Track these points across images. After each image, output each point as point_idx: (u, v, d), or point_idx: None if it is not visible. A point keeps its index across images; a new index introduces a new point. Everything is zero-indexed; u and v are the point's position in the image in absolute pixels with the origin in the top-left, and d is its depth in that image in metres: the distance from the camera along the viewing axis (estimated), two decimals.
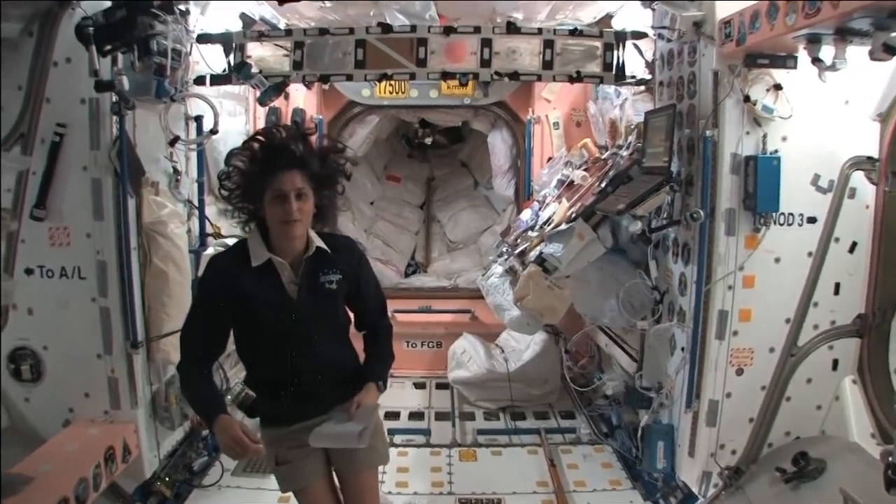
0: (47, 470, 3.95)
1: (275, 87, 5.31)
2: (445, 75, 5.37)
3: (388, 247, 9.58)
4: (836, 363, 4.43)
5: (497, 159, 8.42)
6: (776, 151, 4.16)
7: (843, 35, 3.39)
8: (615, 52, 5.17)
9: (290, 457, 3.46)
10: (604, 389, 6.26)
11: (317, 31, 5.29)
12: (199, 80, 5.26)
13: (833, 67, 3.58)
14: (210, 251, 5.46)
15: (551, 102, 7.56)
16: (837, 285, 4.36)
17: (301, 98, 7.65)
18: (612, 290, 5.14)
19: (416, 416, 6.82)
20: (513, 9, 5.65)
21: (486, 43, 5.24)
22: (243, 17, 5.91)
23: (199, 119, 5.52)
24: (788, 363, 4.37)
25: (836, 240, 4.30)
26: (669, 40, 4.68)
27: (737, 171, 4.21)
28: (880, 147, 4.23)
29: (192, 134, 5.52)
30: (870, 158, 4.23)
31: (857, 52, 3.46)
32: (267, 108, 7.05)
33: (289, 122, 7.36)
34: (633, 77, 5.26)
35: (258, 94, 5.39)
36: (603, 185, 5.32)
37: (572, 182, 6.24)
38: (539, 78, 5.43)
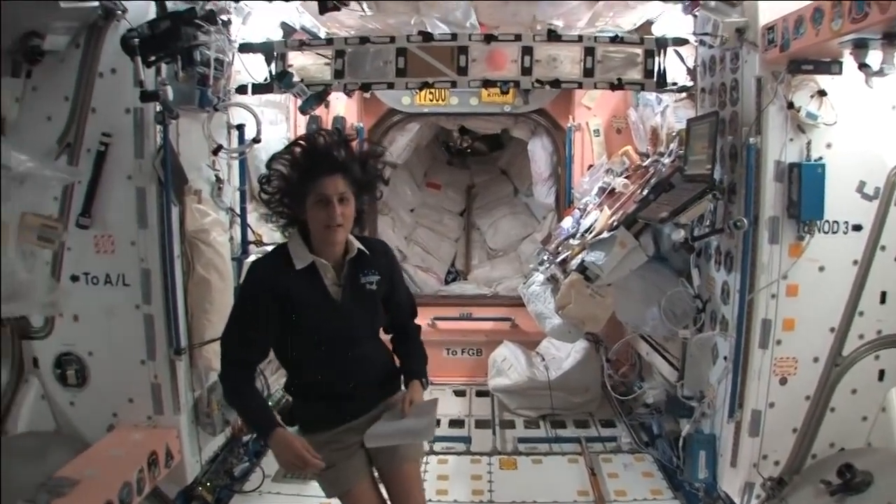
0: (92, 474, 4.00)
1: (316, 95, 5.37)
2: (486, 83, 5.37)
3: (428, 254, 9.60)
4: (882, 374, 4.34)
5: (537, 167, 8.40)
6: (821, 158, 4.09)
7: (892, 40, 3.34)
8: (656, 59, 5.13)
9: (333, 459, 3.43)
10: (644, 398, 6.21)
11: (357, 40, 5.32)
12: (241, 89, 5.31)
13: (881, 73, 3.52)
14: (252, 258, 5.52)
15: (591, 109, 7.52)
16: (884, 294, 4.28)
17: (342, 106, 7.71)
18: (654, 298, 5.10)
19: (456, 423, 6.82)
20: (553, 16, 5.63)
21: (527, 51, 5.23)
22: (284, 26, 5.97)
23: (240, 128, 5.58)
24: (833, 373, 4.29)
25: (883, 248, 4.23)
26: (711, 46, 4.63)
27: (780, 178, 4.15)
28: None
29: (234, 142, 5.58)
30: None
31: None
32: (308, 116, 7.12)
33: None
34: (675, 84, 5.22)
35: (299, 102, 5.46)
36: (644, 192, 5.30)
37: (613, 190, 6.21)
38: (580, 85, 5.40)
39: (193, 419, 4.96)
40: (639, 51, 5.18)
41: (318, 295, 3.37)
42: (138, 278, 4.60)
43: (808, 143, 4.12)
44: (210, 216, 5.03)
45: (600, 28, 5.96)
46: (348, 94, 5.77)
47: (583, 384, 6.82)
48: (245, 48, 5.25)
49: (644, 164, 6.10)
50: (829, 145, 4.12)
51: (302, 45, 5.41)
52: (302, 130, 7.31)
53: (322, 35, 6.26)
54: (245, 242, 5.77)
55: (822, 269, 4.21)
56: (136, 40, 4.13)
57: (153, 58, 4.21)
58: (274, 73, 5.30)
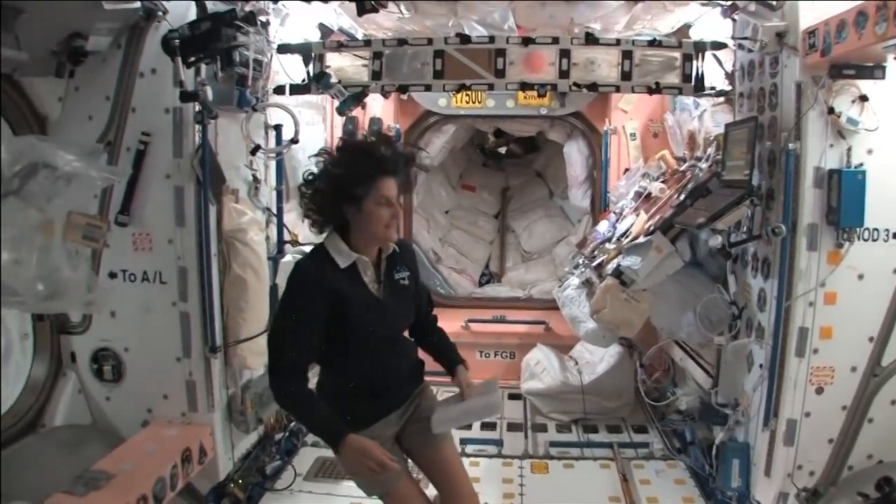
0: (127, 468, 4.06)
1: (354, 96, 5.39)
2: (524, 86, 5.38)
3: (462, 256, 9.62)
4: None
5: (573, 170, 8.37)
6: (861, 165, 4.03)
7: None
8: (694, 63, 5.10)
9: None
10: (678, 404, 6.13)
11: (395, 42, 5.36)
12: (279, 90, 5.37)
13: None
14: (288, 258, 5.57)
15: (628, 113, 7.48)
16: None
17: (378, 107, 7.76)
18: (690, 304, 5.06)
19: (488, 426, 6.78)
20: (591, 19, 5.61)
21: (565, 54, 5.23)
22: (322, 27, 6.03)
23: (278, 128, 5.64)
24: (871, 383, 4.21)
25: None
26: (750, 51, 4.58)
27: (820, 184, 4.09)
28: None
29: (272, 143, 5.64)
30: None
31: None
32: (345, 117, 7.15)
33: (366, 131, 7.46)
34: (713, 88, 5.18)
35: (336, 103, 5.48)
36: (681, 197, 5.26)
37: (650, 194, 6.17)
38: (618, 89, 5.39)
39: (227, 417, 5.01)
40: (677, 54, 5.15)
41: (363, 292, 3.45)
42: (175, 276, 4.65)
43: (849, 150, 4.05)
44: (247, 215, 5.08)
45: (638, 31, 5.91)
46: (385, 95, 5.79)
47: (616, 389, 6.78)
48: (283, 49, 5.31)
49: (681, 168, 6.06)
50: (870, 151, 4.05)
51: (340, 47, 5.46)
52: (339, 131, 7.36)
53: (360, 36, 6.29)
54: (281, 242, 5.81)
55: (861, 277, 4.14)
56: (177, 41, 4.19)
57: (193, 58, 4.27)
58: (312, 74, 5.35)
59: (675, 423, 6.14)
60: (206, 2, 4.53)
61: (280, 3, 5.30)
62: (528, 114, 8.03)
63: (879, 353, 4.20)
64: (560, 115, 7.98)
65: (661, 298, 5.25)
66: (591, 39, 5.21)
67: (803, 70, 4.07)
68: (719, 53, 5.13)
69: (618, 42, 5.23)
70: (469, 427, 6.57)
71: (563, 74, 5.26)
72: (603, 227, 6.70)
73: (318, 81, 5.28)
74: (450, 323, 7.74)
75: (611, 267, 5.54)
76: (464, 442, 5.97)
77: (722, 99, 5.39)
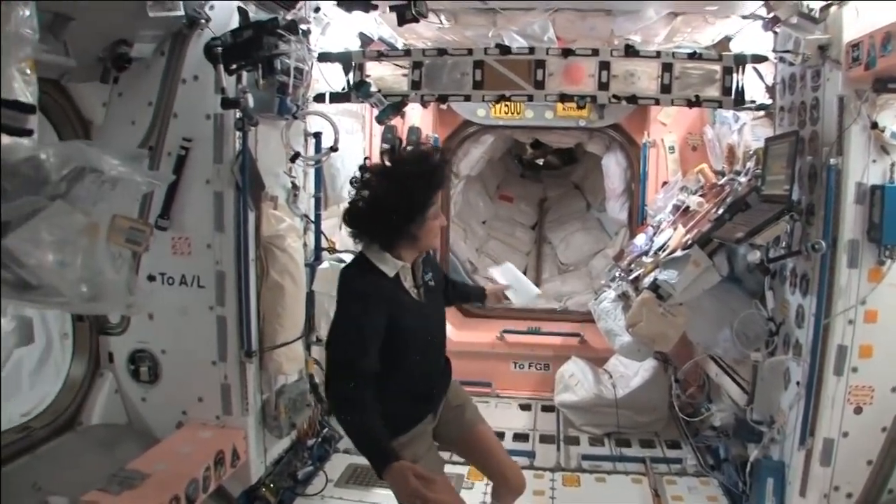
0: (161, 469, 4.10)
1: (393, 106, 5.44)
2: (563, 97, 5.35)
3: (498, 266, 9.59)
4: None
5: (611, 182, 8.33)
6: None
7: None
8: (734, 76, 5.04)
9: (419, 454, 3.57)
10: (712, 420, 6.08)
11: (435, 52, 5.37)
12: (319, 98, 5.40)
13: None
14: (325, 265, 5.60)
15: (667, 126, 7.41)
16: None
17: (417, 117, 7.77)
18: (726, 319, 5.02)
19: (520, 437, 6.78)
20: (631, 31, 5.59)
21: (605, 65, 5.20)
22: (362, 36, 6.06)
23: (317, 136, 5.68)
24: None
25: None
26: (792, 64, 4.52)
27: (861, 200, 4.03)
28: None
29: (311, 150, 5.68)
30: None
31: None
32: (384, 126, 7.19)
33: (405, 141, 7.50)
34: (753, 102, 5.11)
35: (376, 112, 5.53)
36: (720, 211, 5.21)
37: (688, 208, 6.12)
38: (657, 102, 5.33)
39: (261, 421, 5.05)
40: (717, 67, 5.09)
41: (408, 299, 3.53)
42: (213, 280, 4.71)
43: (893, 165, 3.98)
44: (285, 222, 5.13)
45: (678, 44, 5.88)
46: (424, 105, 5.81)
47: (650, 403, 6.72)
48: (324, 58, 5.35)
49: (720, 182, 6.00)
50: None
51: (380, 56, 5.48)
52: (378, 140, 7.40)
53: (400, 46, 6.33)
54: (318, 249, 5.85)
55: None
56: (219, 49, 4.26)
57: (235, 66, 4.33)
58: (352, 82, 5.39)
59: (709, 440, 6.08)
60: (249, 10, 4.61)
61: (321, 12, 5.35)
62: (566, 125, 8.00)
63: None
64: (599, 127, 7.94)
65: (698, 313, 5.20)
66: (630, 52, 5.19)
67: (846, 84, 4.00)
68: (760, 66, 5.06)
69: (658, 54, 5.19)
70: (502, 437, 6.56)
71: (603, 86, 5.24)
72: (640, 240, 6.65)
73: (358, 90, 5.32)
74: (484, 334, 7.82)
75: (647, 280, 5.50)
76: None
77: (762, 113, 5.32)
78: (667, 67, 5.14)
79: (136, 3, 3.92)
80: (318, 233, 5.86)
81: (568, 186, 10.80)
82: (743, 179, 5.41)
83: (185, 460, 4.30)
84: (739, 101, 5.08)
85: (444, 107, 7.63)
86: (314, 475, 5.66)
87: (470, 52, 5.33)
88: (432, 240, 3.59)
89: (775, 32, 4.70)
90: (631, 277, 6.04)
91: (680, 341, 5.44)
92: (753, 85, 5.14)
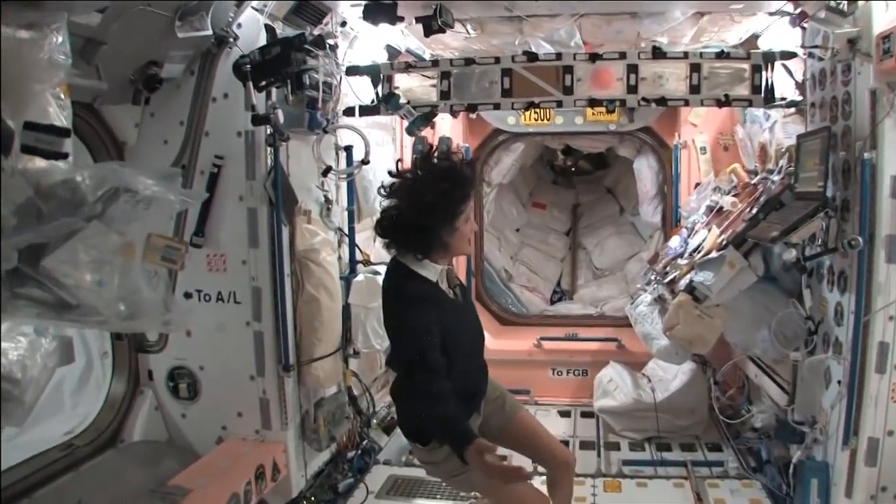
0: (203, 484, 4.15)
1: (423, 117, 5.46)
2: (592, 102, 5.35)
3: (533, 274, 9.60)
4: None
5: (643, 185, 8.30)
6: None
7: None
8: (763, 74, 5.00)
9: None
10: (752, 422, 6.00)
11: (463, 61, 5.40)
12: (349, 112, 5.46)
13: None
14: (360, 278, 5.63)
15: (698, 126, 7.34)
16: None
17: (447, 127, 7.80)
18: (764, 319, 4.96)
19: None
20: (658, 33, 5.57)
21: (633, 69, 5.20)
22: (389, 48, 6.11)
23: (349, 149, 5.72)
24: None
25: None
26: (821, 59, 4.48)
27: None
28: None
29: (342, 163, 5.73)
30: None
31: None
32: (414, 137, 7.22)
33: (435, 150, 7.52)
34: (783, 99, 5.07)
35: (406, 123, 5.56)
36: (754, 211, 5.16)
37: (721, 208, 6.06)
38: (686, 103, 5.32)
39: (300, 435, 5.10)
40: (745, 66, 5.07)
41: (450, 301, 3.61)
42: (249, 296, 4.77)
43: None
44: (319, 236, 5.17)
45: (705, 43, 5.85)
46: (454, 114, 5.84)
47: (689, 406, 6.65)
48: (352, 71, 5.40)
49: (753, 181, 5.93)
50: None
51: (408, 67, 5.53)
52: (409, 151, 7.43)
53: (427, 57, 6.38)
54: (353, 262, 5.88)
55: None
56: (248, 66, 4.32)
57: (264, 82, 4.40)
58: (381, 95, 5.43)
59: (751, 442, 5.99)
60: (276, 27, 4.67)
61: (348, 26, 5.41)
62: (597, 130, 8.00)
63: None
64: (629, 131, 7.92)
65: (735, 314, 5.15)
66: (658, 53, 5.17)
67: (878, 76, 3.94)
68: (789, 63, 5.03)
69: (685, 55, 5.18)
70: None
71: (632, 89, 5.23)
72: (674, 242, 6.60)
73: (388, 102, 5.36)
74: (522, 341, 7.81)
75: (683, 283, 5.46)
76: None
77: (793, 110, 5.27)
78: (695, 68, 5.12)
79: (166, 24, 4.00)
80: (353, 245, 5.89)
81: (600, 191, 10.76)
82: (776, 178, 5.36)
83: (226, 475, 4.35)
84: (769, 99, 5.05)
85: (473, 116, 7.64)
86: (355, 487, 5.64)
87: (497, 60, 5.35)
88: (465, 246, 3.64)
89: (803, 28, 4.66)
90: (666, 280, 6.00)
91: (718, 343, 5.37)
92: (783, 82, 5.09)
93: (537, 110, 7.61)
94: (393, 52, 6.18)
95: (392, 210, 3.54)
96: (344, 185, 5.85)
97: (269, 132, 4.57)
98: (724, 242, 5.18)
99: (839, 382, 4.31)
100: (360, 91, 5.49)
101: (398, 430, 6.34)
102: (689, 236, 6.37)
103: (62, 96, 2.86)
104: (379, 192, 3.69)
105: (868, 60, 3.99)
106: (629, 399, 6.72)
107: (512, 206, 9.94)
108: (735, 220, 5.53)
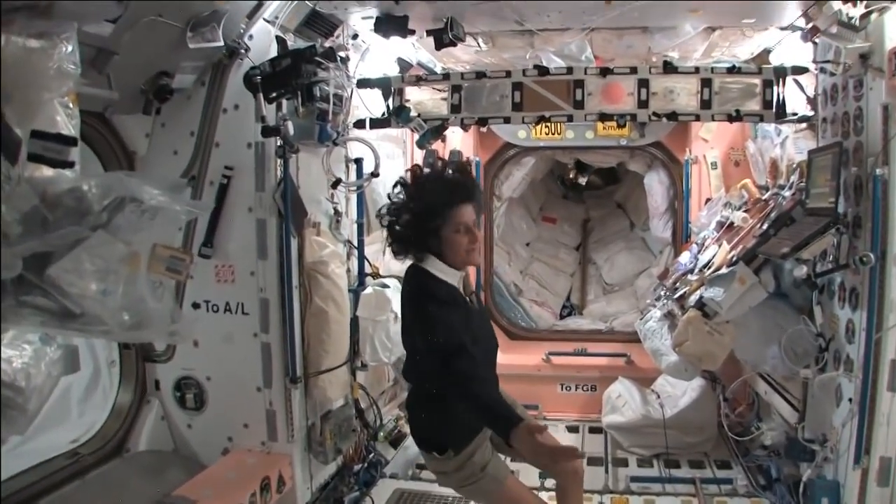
0: (207, 495, 4.14)
1: (433, 130, 5.46)
2: (603, 117, 5.35)
3: (543, 288, 9.58)
4: None
5: (654, 200, 8.27)
6: None
7: None
8: (775, 89, 4.99)
9: (487, 457, 3.73)
10: (762, 439, 5.94)
11: (474, 75, 5.42)
12: (359, 124, 5.47)
13: None
14: (369, 290, 5.63)
15: (709, 142, 7.32)
16: None
17: (457, 140, 7.81)
18: (774, 336, 4.92)
19: None
20: (669, 47, 5.56)
21: (643, 83, 5.21)
22: (400, 61, 6.11)
23: (359, 161, 5.74)
24: None
25: None
26: (833, 74, 4.46)
27: None
28: None
29: (353, 176, 5.74)
30: None
31: None
32: (425, 150, 7.23)
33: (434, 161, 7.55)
34: (795, 114, 5.05)
35: (416, 137, 5.56)
36: (764, 227, 5.13)
37: (732, 224, 6.03)
38: (697, 118, 5.33)
39: (306, 447, 5.08)
40: (757, 81, 5.06)
41: (470, 307, 3.65)
42: (257, 307, 4.77)
43: None
44: (328, 248, 5.17)
45: (716, 58, 5.84)
46: (465, 128, 5.84)
47: (698, 423, 6.60)
48: (363, 84, 5.41)
49: (763, 197, 5.91)
50: None
51: (419, 80, 5.54)
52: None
53: (438, 70, 6.38)
54: (362, 274, 5.88)
55: None
56: (258, 77, 4.33)
57: (274, 94, 4.41)
58: (391, 107, 5.44)
59: (760, 459, 5.92)
60: (287, 39, 4.68)
61: (359, 38, 5.42)
62: (607, 145, 7.99)
63: None
64: (640, 146, 7.90)
65: (745, 330, 5.12)
66: (669, 68, 5.18)
67: (890, 92, 3.92)
68: (801, 78, 5.01)
69: (696, 70, 5.17)
70: None
71: (642, 104, 5.24)
72: (685, 258, 6.58)
73: (398, 115, 5.37)
74: (531, 356, 7.78)
75: (693, 299, 5.43)
76: (543, 475, 5.87)
77: (804, 125, 5.26)
78: (706, 83, 5.12)
79: (177, 35, 4.01)
80: (362, 258, 5.89)
81: (611, 206, 10.74)
82: (787, 193, 5.33)
83: (231, 487, 4.34)
84: (781, 114, 5.04)
85: (484, 129, 7.63)
86: (361, 501, 5.60)
87: (508, 74, 5.37)
88: (454, 257, 3.58)
89: (815, 43, 4.64)
90: (676, 296, 5.97)
91: (728, 359, 5.35)
92: (794, 97, 5.08)
93: (548, 124, 7.59)
94: (404, 65, 6.19)
95: (392, 218, 3.65)
96: (354, 197, 5.86)
97: (279, 144, 4.58)
98: (735, 258, 5.15)
99: (850, 400, 4.26)
100: (371, 104, 5.50)
101: (405, 444, 6.39)
102: (699, 252, 6.34)
103: (71, 105, 2.88)
104: (389, 199, 3.74)
105: (880, 76, 3.97)
106: (638, 415, 6.67)
107: (522, 220, 9.92)
108: (746, 236, 5.50)
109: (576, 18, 5.11)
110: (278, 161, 4.67)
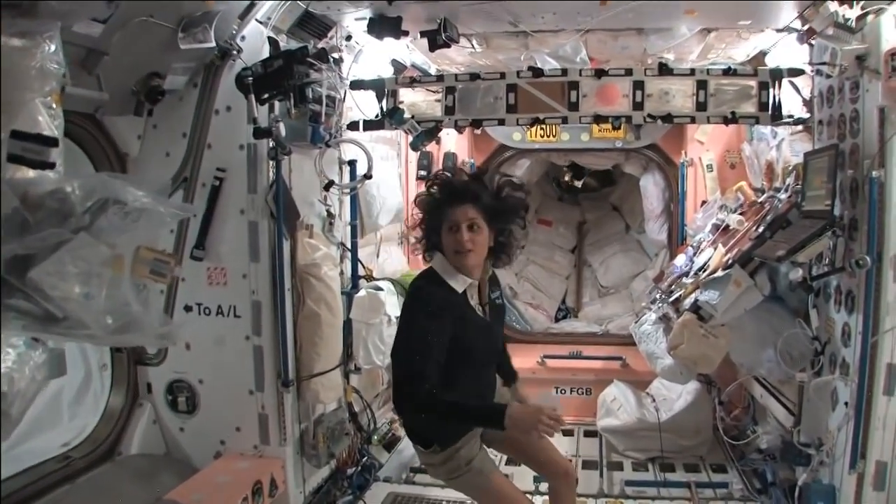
0: (199, 499, 4.12)
1: (427, 132, 5.43)
2: (598, 119, 5.32)
3: (538, 291, 9.54)
4: None
5: (649, 203, 8.25)
6: None
7: None
8: (771, 91, 4.97)
9: (473, 453, 3.75)
10: (758, 443, 5.93)
11: (468, 76, 5.38)
12: (353, 126, 5.44)
13: None
14: (362, 293, 5.60)
15: (704, 144, 7.31)
16: None
17: (452, 142, 7.80)
18: (770, 339, 4.91)
19: None
20: (664, 49, 5.54)
21: (639, 85, 5.17)
22: (394, 63, 6.09)
23: (352, 163, 5.71)
24: None
25: None
26: (829, 76, 4.44)
27: None
28: None
29: (346, 178, 5.71)
30: None
31: None
32: (419, 152, 7.20)
33: (440, 167, 7.54)
34: (791, 116, 5.03)
35: (410, 138, 5.53)
36: (760, 229, 5.11)
37: (728, 227, 6.02)
38: (693, 120, 5.29)
39: (299, 450, 5.06)
40: (752, 83, 5.04)
41: (475, 316, 3.62)
42: (249, 310, 4.75)
43: None
44: (321, 251, 5.15)
45: (712, 60, 5.82)
46: (459, 130, 5.81)
47: (694, 427, 6.57)
48: (356, 85, 5.38)
49: (759, 199, 5.89)
50: None
51: (412, 82, 5.50)
52: (413, 166, 7.44)
53: (432, 72, 6.35)
54: (355, 277, 5.86)
55: None
56: (250, 78, 4.30)
57: (266, 95, 4.37)
58: (385, 109, 5.41)
59: (756, 463, 5.90)
60: (280, 40, 4.65)
61: (353, 40, 5.39)
62: (603, 147, 7.95)
63: None
64: (636, 148, 7.88)
65: (741, 334, 5.10)
66: (664, 70, 5.15)
67: (886, 94, 3.88)
68: (797, 80, 4.99)
69: (692, 72, 5.15)
70: None
71: (637, 106, 5.20)
72: (680, 260, 6.56)
73: (392, 117, 5.34)
74: (526, 358, 7.73)
75: (688, 302, 5.42)
76: (537, 480, 5.84)
77: (800, 127, 5.24)
78: (701, 84, 5.10)
79: (168, 35, 3.98)
80: (355, 261, 5.87)
81: (606, 209, 10.71)
82: (783, 196, 5.31)
83: (223, 490, 4.32)
84: (777, 116, 5.01)
85: (478, 132, 7.59)
86: None
87: (503, 75, 5.33)
88: (449, 254, 3.56)
89: (811, 45, 4.63)
90: (671, 299, 5.96)
91: (723, 363, 5.32)
92: (790, 99, 5.06)
93: (543, 127, 7.60)
94: (399, 66, 6.16)
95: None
96: (347, 199, 5.82)
97: (271, 145, 4.55)
98: (730, 261, 5.13)
99: (846, 404, 4.24)
100: (364, 105, 5.47)
101: (399, 447, 6.39)
102: (694, 255, 6.33)
103: (54, 105, 2.84)
104: None
105: (876, 77, 3.94)
106: (633, 418, 6.65)
107: None
108: (741, 239, 5.48)
109: (570, 19, 5.09)
110: (270, 163, 4.65)
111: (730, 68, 5.16)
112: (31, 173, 2.72)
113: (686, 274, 6.13)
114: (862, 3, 4.05)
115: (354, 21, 5.14)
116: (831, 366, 4.50)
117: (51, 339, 2.90)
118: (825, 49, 4.39)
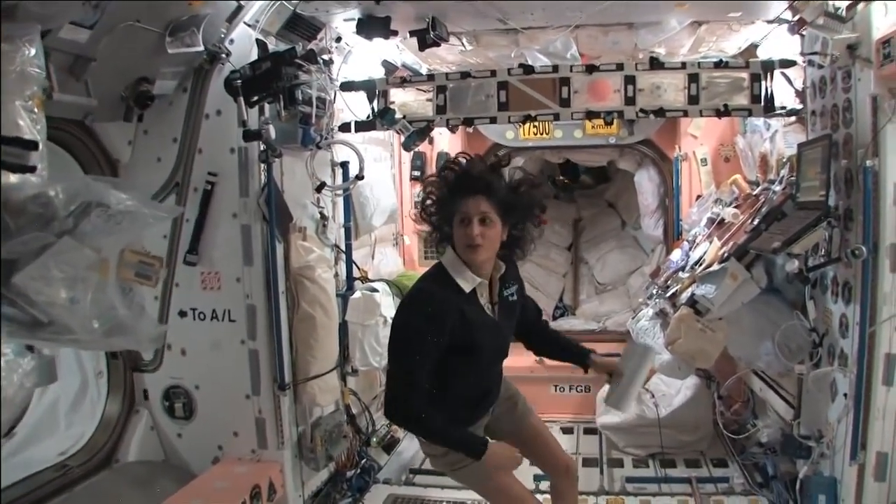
0: None
1: (419, 131, 5.43)
2: (590, 115, 5.30)
3: (535, 289, 9.49)
4: None
5: (644, 199, 8.23)
6: None
7: None
8: (763, 83, 4.96)
9: None
10: (758, 437, 5.90)
11: (459, 75, 5.37)
12: (344, 127, 5.43)
13: None
14: (357, 295, 5.58)
15: (698, 138, 7.29)
16: None
17: (445, 142, 7.76)
18: (768, 332, 4.87)
19: None
20: (655, 43, 5.52)
21: (630, 80, 5.17)
22: (385, 63, 6.06)
23: (344, 165, 5.70)
24: None
25: None
26: (821, 66, 4.42)
27: None
28: None
29: (339, 179, 5.70)
30: None
31: None
32: (412, 152, 7.18)
33: (433, 167, 7.51)
34: (783, 108, 5.02)
35: (403, 139, 5.51)
36: (755, 222, 5.10)
37: (723, 220, 6.01)
38: (685, 113, 5.29)
39: (297, 454, 5.04)
40: (744, 75, 5.03)
41: (482, 316, 3.53)
42: (244, 314, 4.74)
43: None
44: (315, 253, 5.13)
45: (703, 53, 5.81)
46: (451, 129, 5.79)
47: (693, 422, 6.56)
48: (347, 86, 5.37)
49: (754, 192, 5.89)
50: None
51: (403, 82, 5.50)
52: (406, 167, 7.44)
53: (423, 71, 6.33)
54: (350, 279, 5.85)
55: None
56: (238, 81, 4.28)
57: (255, 98, 4.36)
58: (376, 110, 5.39)
59: (757, 457, 5.89)
60: (269, 42, 4.63)
61: (343, 41, 5.37)
62: (596, 143, 7.91)
63: None
64: (629, 144, 7.84)
65: (738, 327, 5.07)
66: (655, 64, 5.15)
67: (879, 82, 3.86)
68: (789, 71, 4.98)
69: (683, 65, 5.14)
70: None
71: (629, 101, 5.20)
72: (676, 255, 6.55)
73: (383, 118, 5.33)
74: (523, 357, 7.62)
75: (685, 296, 5.40)
76: (538, 478, 5.80)
77: (793, 118, 5.23)
78: (693, 78, 5.09)
79: (156, 40, 3.96)
80: (350, 262, 5.85)
81: (602, 205, 10.68)
82: (777, 188, 5.30)
83: (222, 496, 4.31)
84: (769, 108, 5.01)
85: (470, 130, 7.57)
86: None
87: (493, 73, 5.33)
88: (459, 248, 3.44)
89: (802, 35, 4.61)
90: (668, 294, 5.94)
91: (722, 357, 5.30)
92: (783, 91, 5.05)
93: (536, 124, 7.56)
94: (390, 67, 6.14)
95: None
96: (340, 201, 5.81)
97: (261, 148, 4.53)
98: (726, 254, 5.12)
99: (845, 395, 4.22)
100: (355, 107, 5.45)
101: (398, 449, 6.37)
102: (690, 249, 6.31)
103: (35, 110, 2.81)
104: None
105: (868, 66, 3.92)
106: (632, 415, 6.61)
107: None
108: (737, 232, 5.47)
109: (560, 15, 5.07)
110: (262, 166, 4.63)
111: (721, 61, 5.15)
112: (13, 178, 2.70)
113: (682, 269, 6.11)
114: None
115: (343, 22, 5.11)
116: (830, 357, 4.48)
117: (36, 344, 2.88)
118: (816, 39, 4.37)
